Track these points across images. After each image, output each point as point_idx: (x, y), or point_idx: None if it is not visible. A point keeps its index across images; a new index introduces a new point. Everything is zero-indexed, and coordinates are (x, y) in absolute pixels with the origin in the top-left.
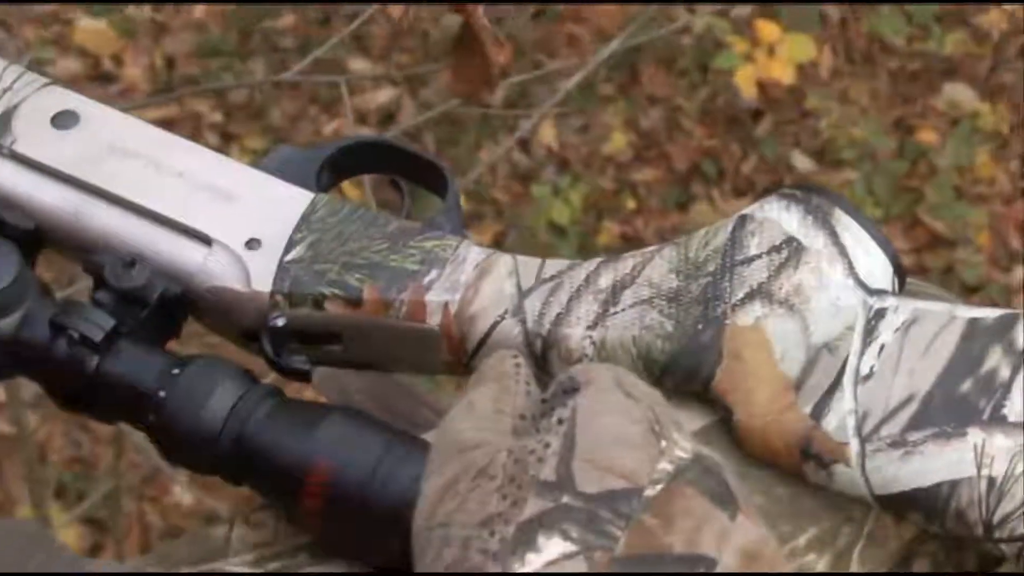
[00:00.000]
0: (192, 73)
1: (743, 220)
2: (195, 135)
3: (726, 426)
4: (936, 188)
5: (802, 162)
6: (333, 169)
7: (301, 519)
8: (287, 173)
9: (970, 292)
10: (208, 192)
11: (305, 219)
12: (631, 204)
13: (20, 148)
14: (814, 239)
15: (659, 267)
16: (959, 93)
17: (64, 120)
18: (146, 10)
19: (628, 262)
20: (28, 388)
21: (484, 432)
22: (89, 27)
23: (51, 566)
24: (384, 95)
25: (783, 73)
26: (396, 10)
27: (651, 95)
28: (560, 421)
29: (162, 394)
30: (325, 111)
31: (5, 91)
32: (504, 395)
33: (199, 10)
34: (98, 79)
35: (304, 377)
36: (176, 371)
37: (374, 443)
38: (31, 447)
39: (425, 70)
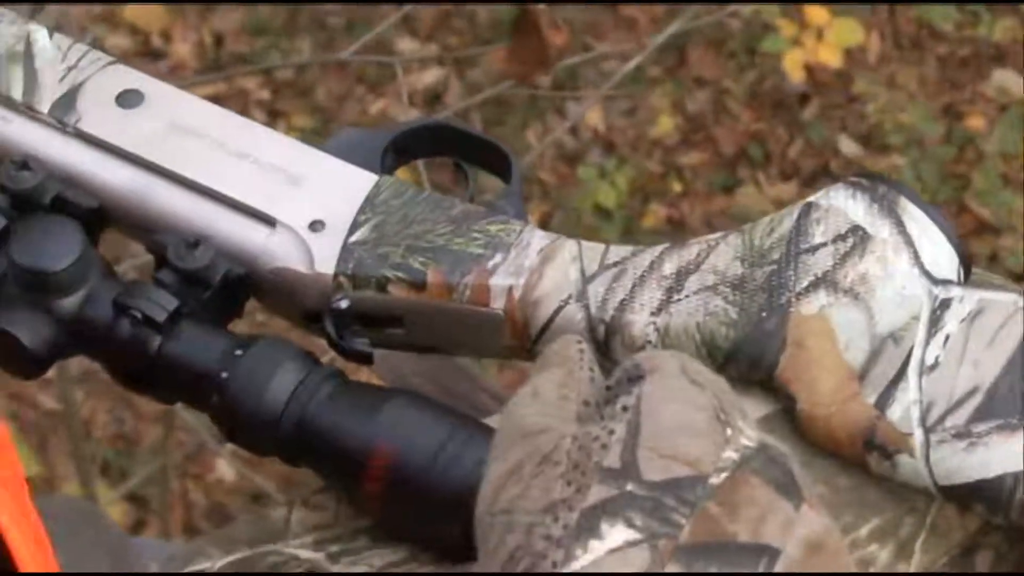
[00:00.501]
0: (240, 50)
1: (808, 208)
2: (243, 112)
3: (789, 415)
4: (983, 174)
5: (849, 147)
6: (397, 151)
7: (362, 502)
8: (351, 155)
9: (1015, 280)
10: (272, 173)
11: (369, 201)
12: (677, 187)
13: (85, 126)
14: (880, 228)
15: (724, 254)
16: (1008, 80)
17: (129, 99)
18: None
19: (693, 249)
20: (75, 364)
21: (548, 418)
22: (138, 4)
23: (100, 543)
24: (431, 75)
25: (831, 57)
26: None
27: (698, 78)
28: (625, 408)
29: (224, 375)
30: (371, 90)
31: (70, 69)
32: (568, 381)
33: None
34: (147, 56)
35: (366, 360)
36: (239, 352)
37: (437, 427)
38: (78, 424)
39: (474, 52)
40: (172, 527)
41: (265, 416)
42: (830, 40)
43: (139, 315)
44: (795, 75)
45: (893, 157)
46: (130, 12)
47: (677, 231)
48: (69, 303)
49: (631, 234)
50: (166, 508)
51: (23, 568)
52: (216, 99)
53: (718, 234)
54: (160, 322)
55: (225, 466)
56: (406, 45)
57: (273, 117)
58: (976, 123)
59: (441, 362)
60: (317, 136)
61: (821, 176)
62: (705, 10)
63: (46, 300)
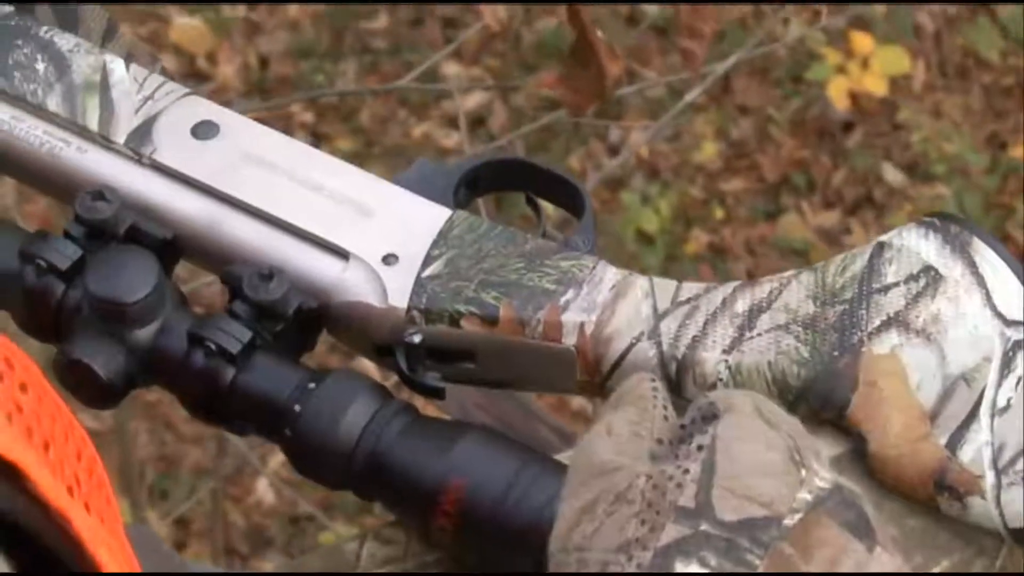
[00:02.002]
0: (285, 73)
1: (881, 247)
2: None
3: (859, 455)
4: None
5: (893, 175)
6: (471, 186)
7: (433, 537)
8: (425, 188)
9: None
10: (346, 206)
11: (443, 235)
12: (720, 214)
13: (160, 157)
14: (952, 268)
15: (796, 292)
16: None
17: (204, 130)
18: (240, 9)
19: (765, 287)
20: None
21: (622, 456)
22: (184, 25)
23: (164, 570)
24: (475, 99)
25: (876, 85)
26: (491, 16)
27: (743, 105)
28: (700, 447)
29: (297, 408)
30: (414, 114)
31: (146, 100)
32: (642, 419)
33: (293, 10)
34: (192, 77)
35: (437, 394)
36: (312, 385)
37: (508, 462)
38: (129, 450)
39: (518, 76)
40: (214, 549)
41: (337, 450)
42: (875, 69)
43: (213, 346)
44: (840, 103)
45: (937, 186)
46: (176, 34)
47: (719, 257)
48: (144, 334)
49: (673, 260)
50: (215, 531)
51: None
52: (260, 122)
53: (790, 272)
54: (234, 354)
55: (265, 488)
56: (450, 68)
57: (316, 139)
58: (1020, 153)
59: (501, 394)
60: (359, 159)
61: (864, 204)
62: (750, 32)
63: (121, 331)
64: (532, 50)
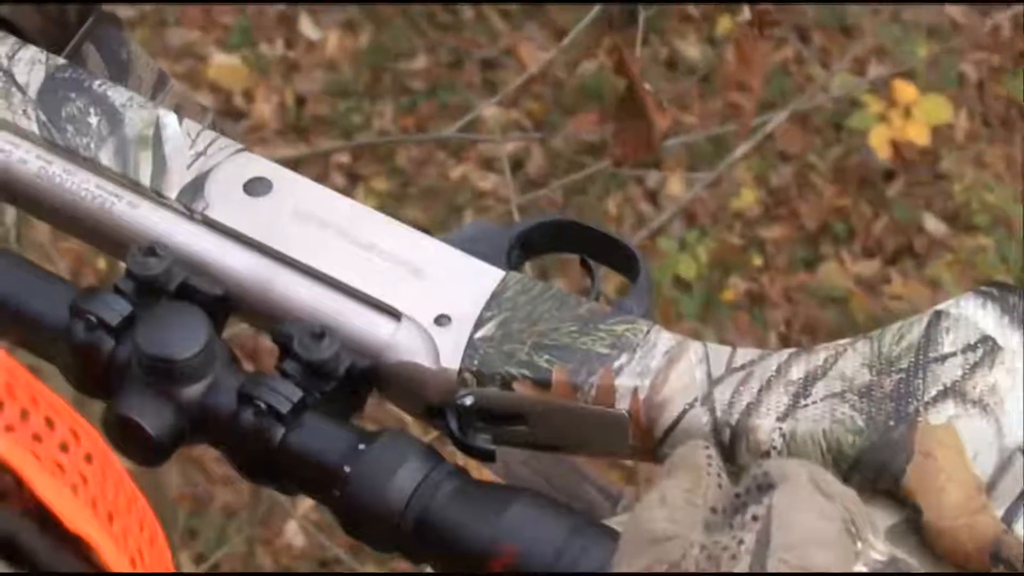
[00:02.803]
0: (321, 113)
1: (938, 316)
2: (322, 175)
3: (915, 526)
4: None
5: (934, 225)
6: (524, 247)
7: None
8: (478, 249)
9: None
10: (398, 266)
11: (496, 297)
12: (758, 261)
13: (212, 213)
14: (1010, 338)
15: (852, 360)
16: None
17: (256, 187)
18: (278, 48)
19: (820, 354)
20: None
21: (676, 525)
22: (222, 63)
23: None
24: (513, 142)
25: (918, 135)
26: (531, 60)
27: (783, 151)
28: (755, 518)
29: (347, 469)
30: (452, 155)
31: (199, 156)
32: (696, 487)
33: (330, 49)
34: (228, 115)
35: (488, 457)
36: (362, 446)
37: (560, 529)
38: (163, 488)
39: (557, 119)
40: None
41: (387, 512)
42: (918, 117)
43: (263, 405)
44: (881, 152)
45: (979, 237)
46: (213, 71)
47: (756, 305)
48: (193, 391)
49: (710, 307)
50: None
51: None
52: (296, 162)
53: (846, 340)
54: (284, 413)
55: (295, 530)
56: (489, 111)
57: (352, 181)
58: None
59: (551, 455)
60: (396, 200)
61: (905, 254)
62: (798, 87)
63: (171, 388)
64: (572, 93)
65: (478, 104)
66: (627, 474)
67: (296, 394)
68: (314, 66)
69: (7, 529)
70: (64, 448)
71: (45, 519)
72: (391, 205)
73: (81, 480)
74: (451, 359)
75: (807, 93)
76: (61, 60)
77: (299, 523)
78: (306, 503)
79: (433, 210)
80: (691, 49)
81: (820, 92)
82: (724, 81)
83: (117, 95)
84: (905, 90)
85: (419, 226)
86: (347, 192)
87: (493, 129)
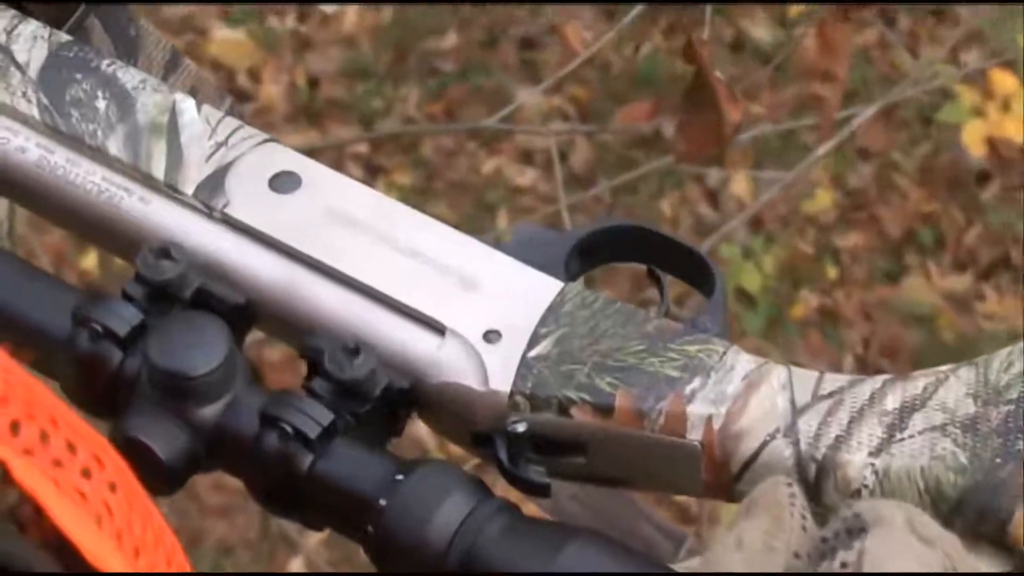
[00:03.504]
0: (337, 95)
1: None
2: (336, 166)
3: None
4: None
5: None
6: (584, 255)
7: None
8: (532, 257)
9: None
10: (443, 274)
11: (552, 311)
12: (832, 273)
13: (233, 212)
14: None
15: (954, 389)
16: None
17: (284, 182)
18: (289, 21)
19: (919, 382)
20: None
21: (755, 572)
22: (225, 38)
23: None
24: (554, 129)
25: (1018, 131)
26: (575, 38)
27: (863, 148)
28: (844, 565)
29: (383, 502)
30: (484, 146)
31: (219, 146)
32: (777, 529)
33: (349, 24)
34: (231, 96)
35: (541, 491)
36: (399, 477)
37: (621, 572)
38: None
39: (604, 107)
40: None
41: (427, 552)
42: (1018, 112)
43: (289, 429)
44: (975, 150)
45: None
46: (215, 47)
47: (830, 323)
48: (210, 412)
49: (776, 325)
50: None
51: None
52: (307, 154)
53: (947, 367)
54: (312, 438)
55: (299, 565)
56: (528, 96)
57: (371, 173)
58: None
59: (608, 490)
60: (419, 196)
61: (1000, 267)
62: (881, 74)
63: (185, 407)
64: (621, 79)
65: (515, 89)
66: (680, 512)
67: (326, 417)
68: (329, 43)
69: (23, 559)
70: (87, 475)
71: (65, 552)
72: (414, 201)
73: (105, 511)
74: (501, 380)
75: (896, 84)
76: (65, 36)
77: (304, 557)
78: (314, 537)
79: (462, 207)
80: (760, 31)
81: (907, 82)
82: (800, 68)
83: (128, 77)
84: (1004, 80)
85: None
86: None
87: (532, 118)
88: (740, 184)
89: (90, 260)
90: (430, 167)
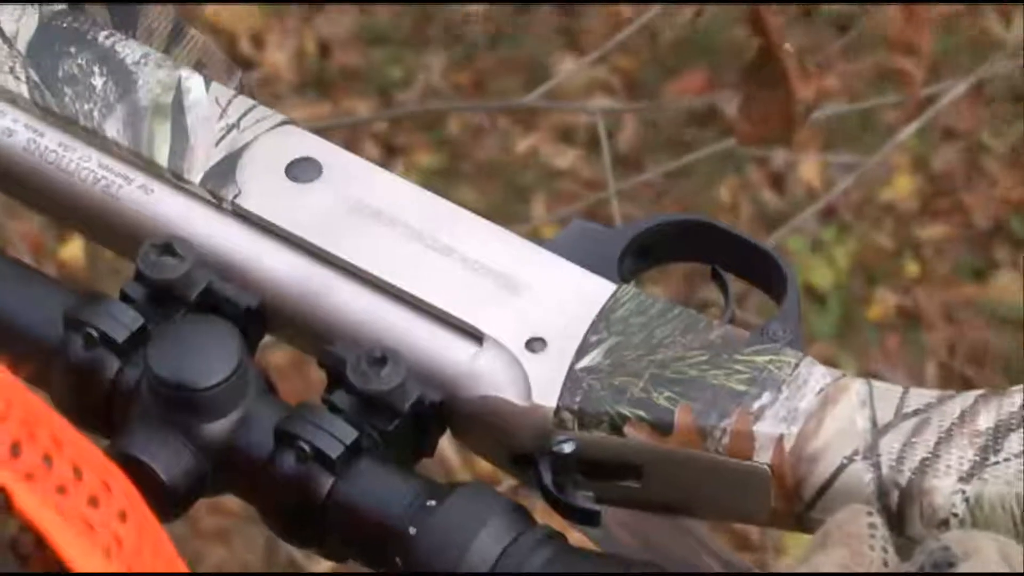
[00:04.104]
0: (351, 64)
1: None
2: (349, 144)
3: None
4: None
5: None
6: (640, 253)
7: None
8: (581, 255)
9: None
10: (481, 274)
11: (604, 316)
12: (913, 268)
13: (246, 203)
14: None
15: None
16: None
17: (303, 170)
18: None
19: (1016, 398)
20: None
21: None
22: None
23: None
24: (597, 104)
25: None
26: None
27: (949, 128)
28: None
29: (412, 531)
30: (519, 123)
31: (230, 129)
32: (856, 564)
33: None
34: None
35: (590, 519)
36: (431, 503)
37: None
38: None
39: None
40: None
41: None
42: None
43: (307, 448)
44: None
45: None
46: (213, 10)
47: (910, 325)
48: (219, 428)
49: (850, 326)
50: None
51: None
52: (318, 132)
53: None
54: (333, 458)
55: None
56: (568, 65)
57: (389, 152)
58: None
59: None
60: (443, 179)
61: None
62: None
63: (190, 423)
64: (671, 49)
65: (552, 59)
66: (739, 540)
67: (349, 434)
68: (342, 4)
69: None
70: (94, 503)
71: None
72: (437, 184)
73: (114, 542)
74: (546, 394)
75: (985, 55)
76: (59, 5)
77: None
78: (325, 565)
79: (491, 193)
80: None
81: (998, 53)
82: (879, 38)
83: (128, 51)
84: None
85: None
86: (382, 167)
87: (573, 93)
88: (809, 168)
89: (72, 249)
90: (455, 146)
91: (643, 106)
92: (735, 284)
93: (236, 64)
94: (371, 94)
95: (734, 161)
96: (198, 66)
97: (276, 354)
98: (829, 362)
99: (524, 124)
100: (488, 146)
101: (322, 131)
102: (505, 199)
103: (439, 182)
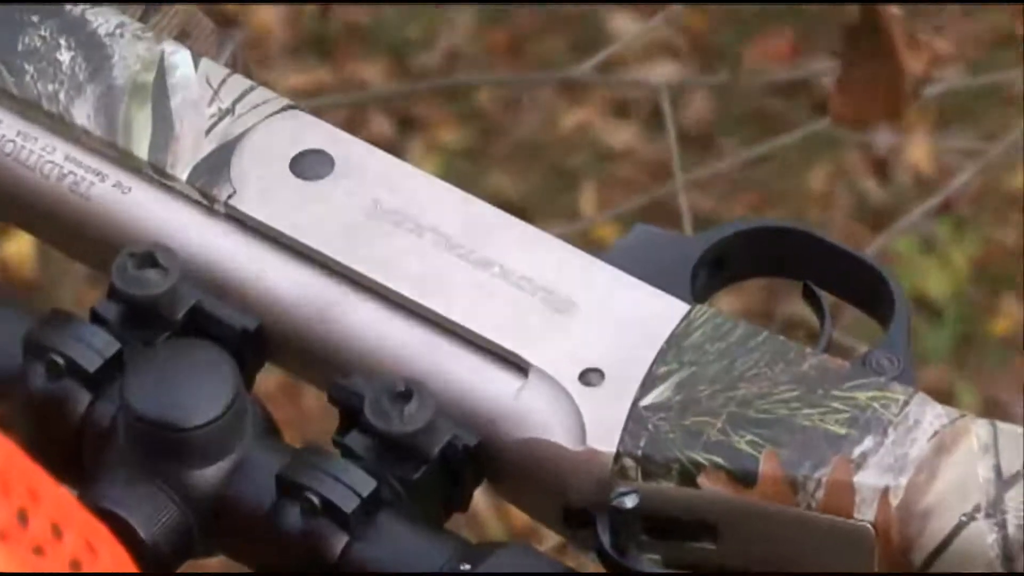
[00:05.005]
0: (356, 21)
1: None
2: (355, 118)
3: None
4: None
5: None
6: (716, 266)
7: None
8: (646, 268)
9: None
10: (527, 292)
11: (674, 343)
12: None
13: (242, 205)
14: None
15: None
16: None
17: (311, 165)
18: None
19: None
20: None
21: None
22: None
23: None
24: (660, 73)
25: None
26: None
27: None
28: None
29: None
30: (565, 93)
31: (223, 115)
32: None
33: None
34: (233, 39)
35: None
36: (465, 567)
37: None
38: None
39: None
40: None
41: None
42: None
43: (316, 500)
44: None
45: None
46: None
47: None
48: (210, 476)
49: (969, 344)
50: None
51: None
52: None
53: None
54: (348, 513)
55: None
56: (621, 23)
57: (404, 128)
58: None
59: None
60: (470, 162)
61: None
62: None
63: (176, 470)
64: (752, 5)
65: (603, 15)
66: None
67: (366, 484)
68: None
69: None
70: (76, 566)
71: None
72: (464, 168)
73: None
74: (604, 437)
75: None
76: None
77: None
78: None
79: (530, 179)
80: None
81: None
82: None
83: (101, 20)
84: None
85: (516, 213)
86: (395, 146)
87: (629, 58)
88: (918, 150)
89: (18, 245)
90: (486, 120)
91: (717, 79)
92: (830, 301)
93: (228, 32)
94: (381, 58)
95: (828, 142)
96: (182, 36)
97: (265, 378)
98: (943, 388)
99: (570, 94)
100: (526, 121)
101: (324, 111)
102: (546, 187)
103: (465, 165)
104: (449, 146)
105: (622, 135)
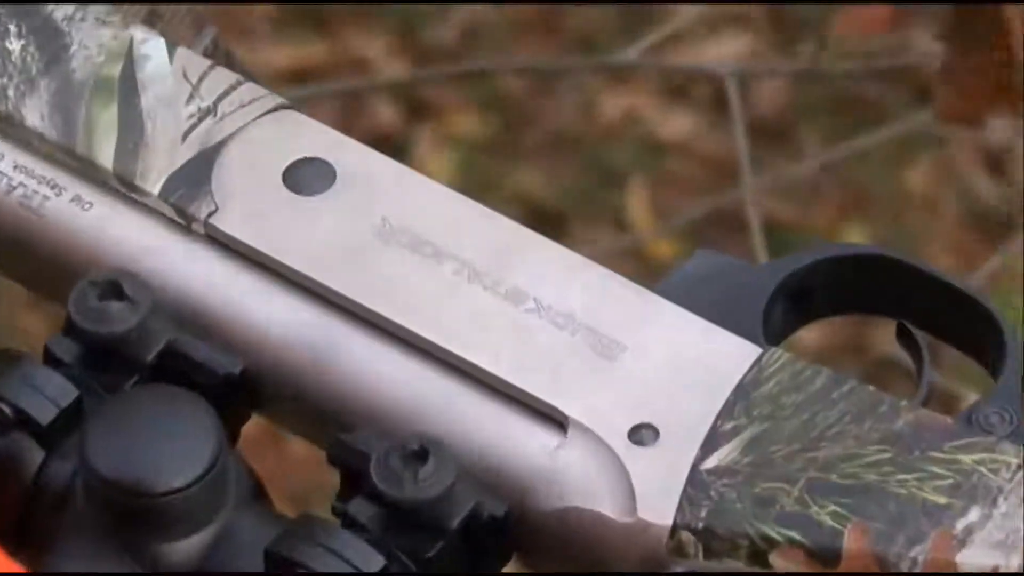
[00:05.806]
0: None
1: None
2: (352, 103)
3: None
4: None
5: None
6: (794, 302)
7: None
8: (709, 304)
9: None
10: (567, 332)
11: (743, 393)
12: None
13: (225, 224)
14: None
15: None
16: None
17: (308, 176)
18: None
19: None
20: None
21: None
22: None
23: None
24: (719, 52)
25: None
26: None
27: None
28: None
29: None
30: (609, 73)
31: (203, 116)
32: None
33: None
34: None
35: None
36: None
37: None
38: None
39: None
40: None
41: None
42: None
43: None
44: None
45: None
46: None
47: None
48: (185, 551)
49: None
50: None
51: None
52: (304, 77)
53: None
54: None
55: None
56: None
57: (412, 117)
58: None
59: None
60: (491, 157)
61: None
62: None
63: (145, 542)
64: None
65: None
66: None
67: (373, 561)
68: None
69: None
70: None
71: None
72: (484, 162)
73: None
74: (658, 506)
75: None
76: None
77: None
78: None
79: (565, 177)
80: None
81: None
82: None
83: (57, 2)
84: None
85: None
86: (401, 137)
87: (688, 35)
88: None
89: None
90: (512, 106)
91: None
92: (929, 341)
93: (205, 17)
94: (387, 30)
95: (932, 136)
96: (151, 19)
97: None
98: None
99: (615, 76)
100: (561, 109)
101: (317, 97)
102: (586, 186)
103: (487, 161)
104: (467, 138)
105: (677, 125)
